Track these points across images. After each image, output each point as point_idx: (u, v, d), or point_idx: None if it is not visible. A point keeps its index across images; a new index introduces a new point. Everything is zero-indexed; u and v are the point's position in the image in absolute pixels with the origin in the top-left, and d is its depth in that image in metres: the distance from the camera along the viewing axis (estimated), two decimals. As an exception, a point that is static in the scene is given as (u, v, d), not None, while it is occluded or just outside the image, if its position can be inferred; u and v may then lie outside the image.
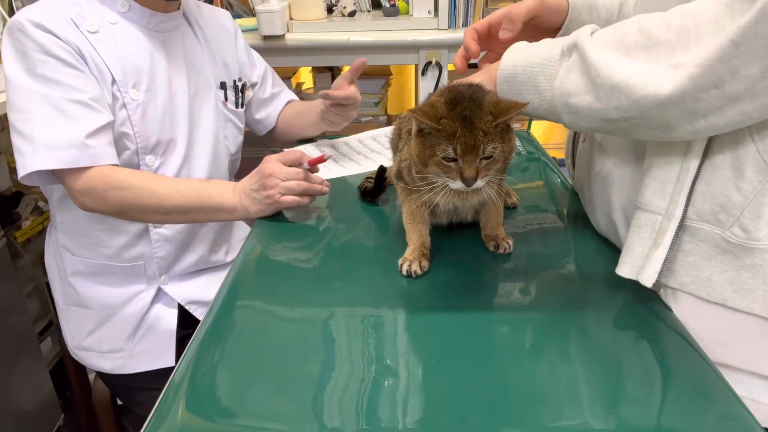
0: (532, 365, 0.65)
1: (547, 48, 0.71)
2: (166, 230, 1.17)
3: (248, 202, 1.03)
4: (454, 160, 0.71)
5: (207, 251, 1.26)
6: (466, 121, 0.69)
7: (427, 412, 0.59)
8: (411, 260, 0.83)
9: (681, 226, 0.68)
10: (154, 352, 1.20)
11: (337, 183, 1.19)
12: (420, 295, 0.80)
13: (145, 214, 1.06)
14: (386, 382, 0.63)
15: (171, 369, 1.15)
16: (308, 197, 1.03)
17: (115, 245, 1.16)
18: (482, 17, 1.90)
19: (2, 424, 1.52)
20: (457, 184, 0.72)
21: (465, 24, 1.93)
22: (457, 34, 1.89)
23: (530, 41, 0.78)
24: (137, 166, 1.11)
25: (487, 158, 0.71)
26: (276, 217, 1.04)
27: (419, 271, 0.82)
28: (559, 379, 0.63)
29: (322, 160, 1.06)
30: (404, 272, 0.82)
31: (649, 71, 0.61)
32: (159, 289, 1.21)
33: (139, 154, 1.10)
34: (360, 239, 0.95)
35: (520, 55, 0.73)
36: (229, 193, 1.06)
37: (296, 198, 1.01)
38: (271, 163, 1.03)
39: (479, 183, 0.72)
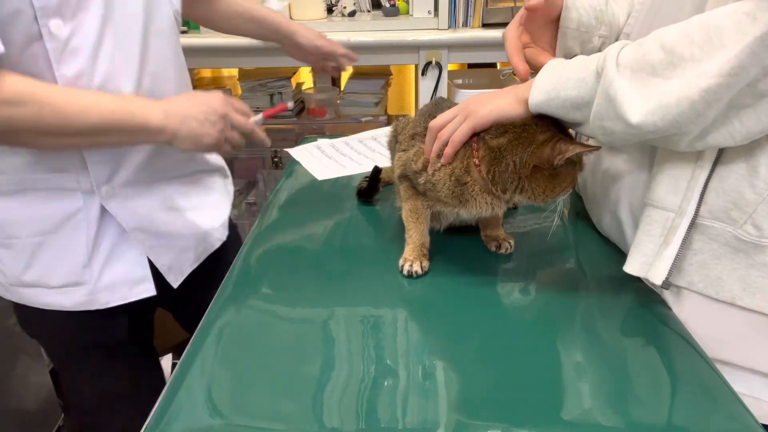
0: (534, 365, 0.65)
1: (580, 69, 0.69)
2: None
3: (180, 128, 0.87)
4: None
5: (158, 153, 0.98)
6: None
7: (427, 412, 0.59)
8: (411, 260, 0.83)
9: (692, 224, 0.68)
10: (129, 281, 0.98)
11: (337, 183, 1.19)
12: (420, 296, 0.80)
13: (42, 137, 0.82)
14: (386, 382, 0.63)
15: (151, 299, 0.99)
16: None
17: (28, 151, 0.89)
18: (482, 17, 1.91)
19: (2, 424, 1.52)
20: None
21: (465, 24, 1.93)
22: (457, 34, 1.89)
23: (543, 33, 0.79)
24: (38, 37, 0.80)
25: None
26: (276, 216, 1.04)
27: (420, 271, 0.82)
28: (561, 379, 0.63)
29: (283, 109, 0.97)
30: (405, 272, 0.82)
31: (678, 88, 0.60)
32: (102, 209, 0.94)
33: (39, 18, 0.79)
34: (360, 239, 0.95)
35: (552, 79, 0.71)
36: (156, 110, 0.86)
37: (230, 149, 0.93)
38: (225, 104, 0.90)
39: None
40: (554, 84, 0.70)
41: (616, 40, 0.85)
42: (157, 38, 0.93)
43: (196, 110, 0.88)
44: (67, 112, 0.81)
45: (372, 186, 1.07)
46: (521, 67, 0.80)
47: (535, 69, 0.78)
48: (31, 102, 0.78)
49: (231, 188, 1.19)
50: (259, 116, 0.96)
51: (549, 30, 0.82)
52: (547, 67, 0.73)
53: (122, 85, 0.88)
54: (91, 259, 0.95)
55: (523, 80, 0.77)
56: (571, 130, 0.77)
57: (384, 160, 1.13)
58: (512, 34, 0.82)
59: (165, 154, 1.00)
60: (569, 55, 0.83)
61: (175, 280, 1.02)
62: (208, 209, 1.08)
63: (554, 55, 0.84)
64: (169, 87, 0.97)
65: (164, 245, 1.00)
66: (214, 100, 0.90)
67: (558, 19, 0.81)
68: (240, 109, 0.94)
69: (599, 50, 0.84)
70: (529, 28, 0.82)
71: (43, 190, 0.91)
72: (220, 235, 1.10)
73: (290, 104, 0.94)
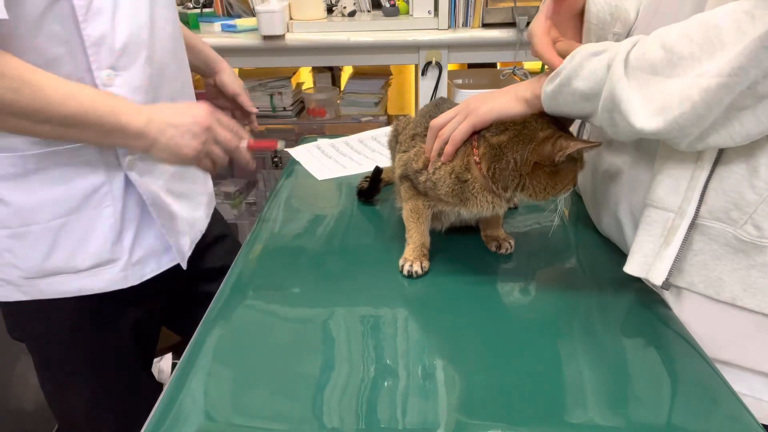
0: (534, 365, 0.65)
1: (593, 61, 0.69)
2: (122, 89, 0.88)
3: (160, 136, 0.84)
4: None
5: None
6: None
7: (427, 412, 0.59)
8: (411, 260, 0.83)
9: (692, 225, 0.68)
10: (158, 252, 0.97)
11: (337, 183, 1.19)
12: (421, 296, 0.80)
13: (13, 118, 0.77)
14: (386, 382, 0.63)
15: (175, 269, 0.99)
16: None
17: None
18: (482, 17, 1.91)
19: (2, 424, 1.52)
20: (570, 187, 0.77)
21: (465, 24, 1.93)
22: (457, 34, 1.89)
23: (567, 27, 0.80)
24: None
25: None
26: (276, 216, 1.04)
27: (420, 271, 0.82)
28: (561, 379, 0.63)
29: (271, 147, 0.90)
30: (405, 272, 0.82)
31: (679, 88, 0.60)
32: (126, 181, 0.91)
33: (94, 70, 0.82)
34: (360, 239, 0.95)
35: (565, 71, 0.71)
36: (139, 114, 0.83)
37: (211, 166, 0.88)
38: (211, 116, 0.87)
39: None
40: (567, 72, 0.70)
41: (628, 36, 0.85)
42: (161, 11, 0.93)
43: (179, 119, 0.85)
44: (47, 96, 0.77)
45: (373, 186, 1.07)
46: (557, 60, 0.77)
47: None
48: (12, 78, 0.75)
49: (210, 183, 1.19)
50: (244, 143, 0.91)
51: (573, 24, 0.82)
52: (568, 57, 0.72)
53: (140, 52, 0.87)
54: (122, 234, 0.93)
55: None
56: (571, 128, 0.77)
57: (384, 160, 1.13)
58: (540, 29, 0.80)
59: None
60: None
61: (182, 261, 1.01)
62: (195, 197, 1.08)
63: None
64: (173, 68, 0.97)
65: (169, 226, 0.99)
66: (199, 111, 0.87)
67: (582, 12, 0.81)
68: (227, 125, 0.90)
69: None
70: (554, 21, 0.81)
71: (65, 166, 0.87)
72: (201, 226, 1.09)
73: (280, 144, 0.86)
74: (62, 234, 0.89)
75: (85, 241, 0.90)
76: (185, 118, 0.85)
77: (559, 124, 0.74)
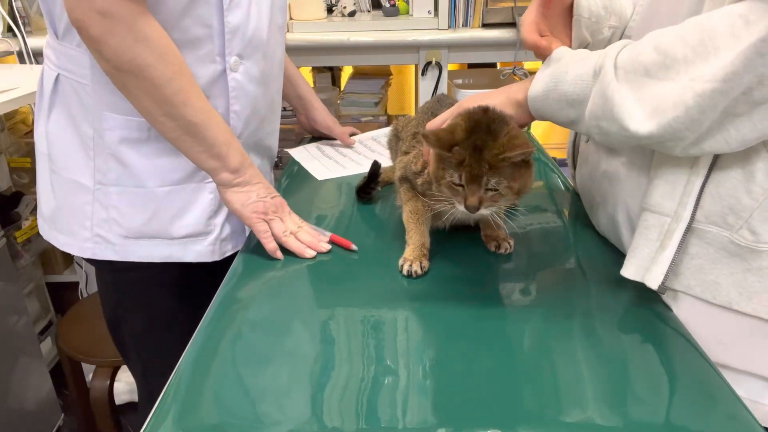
0: (534, 365, 0.65)
1: (579, 65, 0.69)
2: (242, 76, 0.96)
3: (244, 183, 0.92)
4: (461, 186, 0.73)
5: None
6: (476, 151, 0.70)
7: (427, 412, 0.59)
8: (411, 260, 0.83)
9: (688, 229, 0.68)
10: (238, 231, 1.04)
11: (337, 183, 1.19)
12: (420, 296, 0.80)
13: (147, 98, 0.83)
14: (386, 382, 0.63)
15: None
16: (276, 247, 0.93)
17: None
18: (482, 17, 1.91)
19: (2, 424, 1.52)
20: (461, 208, 0.74)
21: (465, 24, 1.93)
22: (457, 34, 1.89)
23: (558, 21, 0.80)
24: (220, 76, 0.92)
25: (492, 190, 0.72)
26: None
27: (420, 271, 0.82)
28: (561, 378, 0.63)
29: (347, 246, 0.93)
30: (405, 272, 0.83)
31: (673, 92, 0.60)
32: None
33: (226, 55, 0.91)
34: (360, 239, 0.95)
35: (552, 72, 0.72)
36: (243, 157, 0.92)
37: (273, 245, 0.91)
38: (284, 207, 0.95)
39: (483, 211, 0.74)
40: (553, 77, 0.70)
41: (624, 32, 0.85)
42: (277, 17, 1.01)
43: (265, 188, 0.94)
44: (185, 98, 0.84)
45: (370, 181, 1.06)
46: (541, 43, 0.77)
47: (543, 59, 0.78)
48: (167, 66, 0.82)
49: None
50: (326, 233, 0.95)
51: (564, 18, 0.82)
52: (550, 58, 0.73)
53: (260, 46, 0.96)
54: (218, 210, 0.99)
55: (543, 56, 0.77)
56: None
57: (384, 161, 1.13)
58: (528, 19, 0.81)
59: (262, 124, 1.06)
60: (583, 45, 0.83)
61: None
62: None
63: (570, 44, 0.84)
64: (277, 71, 1.06)
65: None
66: (279, 199, 0.95)
67: (572, 6, 0.81)
68: (293, 218, 0.95)
69: (609, 41, 0.84)
70: (545, 15, 0.82)
71: None
72: None
73: (354, 247, 0.92)
74: (166, 201, 0.96)
75: (185, 210, 0.97)
76: (269, 191, 0.94)
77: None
